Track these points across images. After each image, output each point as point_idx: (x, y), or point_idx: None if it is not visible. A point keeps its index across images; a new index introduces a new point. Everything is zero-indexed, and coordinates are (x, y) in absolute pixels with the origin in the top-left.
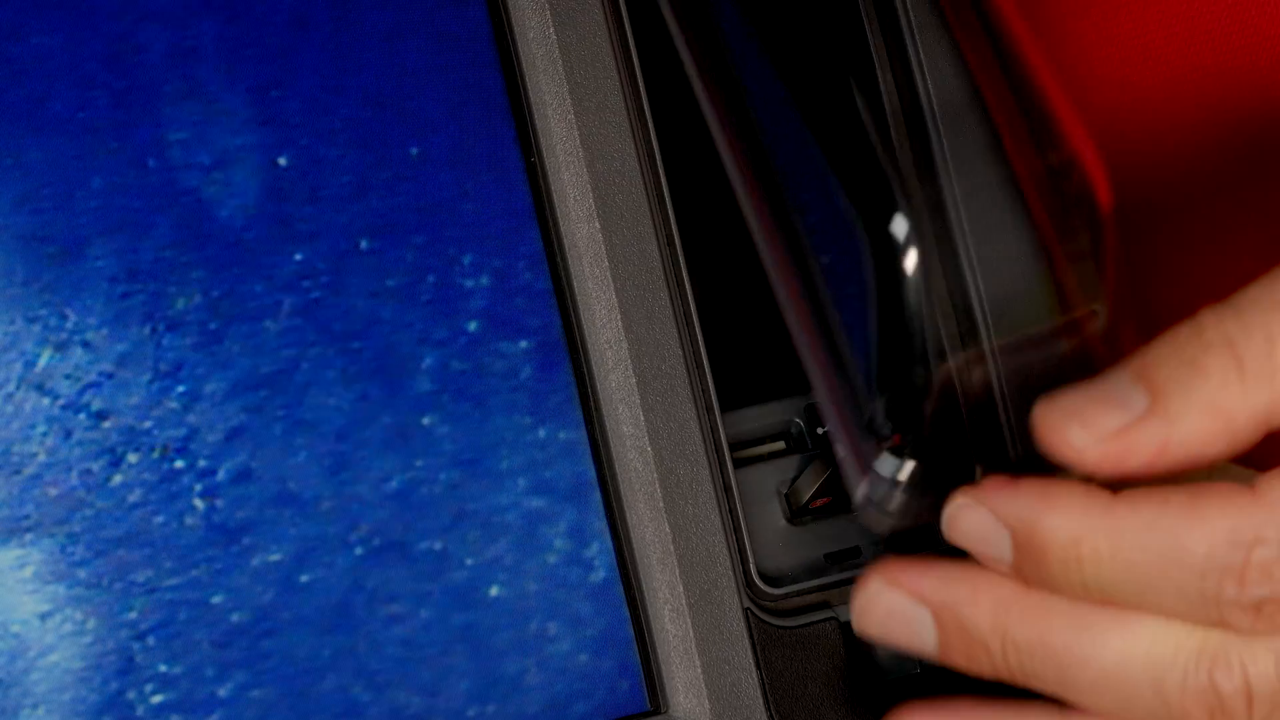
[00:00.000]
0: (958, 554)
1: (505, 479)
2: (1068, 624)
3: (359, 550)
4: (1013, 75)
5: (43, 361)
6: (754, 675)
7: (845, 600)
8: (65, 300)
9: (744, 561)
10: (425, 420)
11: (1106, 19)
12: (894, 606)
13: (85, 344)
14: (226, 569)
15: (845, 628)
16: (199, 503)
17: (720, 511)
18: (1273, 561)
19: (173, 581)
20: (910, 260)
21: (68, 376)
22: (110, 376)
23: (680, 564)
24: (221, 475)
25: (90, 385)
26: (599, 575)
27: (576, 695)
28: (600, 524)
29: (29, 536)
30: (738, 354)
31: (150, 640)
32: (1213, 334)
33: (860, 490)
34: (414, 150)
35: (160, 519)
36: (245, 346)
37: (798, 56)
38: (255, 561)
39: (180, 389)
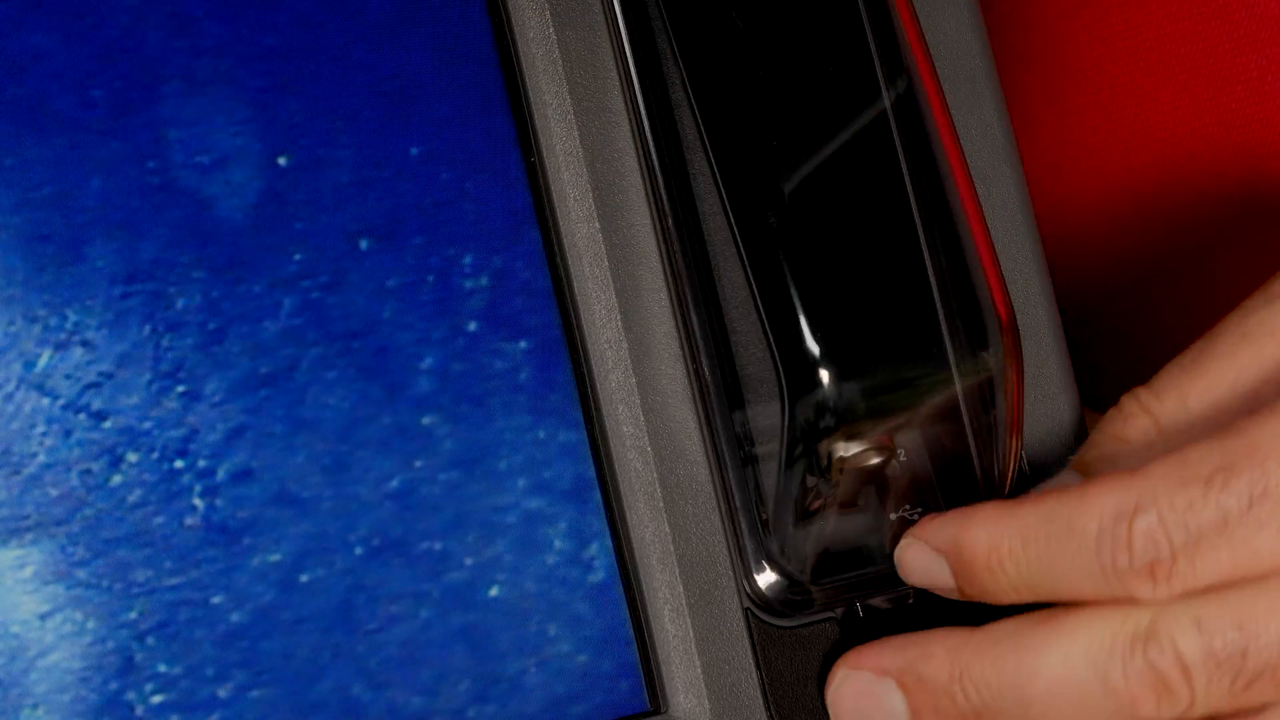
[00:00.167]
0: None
1: (505, 479)
2: (1012, 646)
3: (359, 550)
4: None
5: (43, 361)
6: (754, 675)
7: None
8: (65, 300)
9: (744, 562)
10: (425, 420)
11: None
12: (862, 687)
13: (85, 344)
14: (226, 569)
15: (845, 628)
16: (199, 503)
17: (720, 511)
18: (1154, 526)
19: (173, 581)
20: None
21: (68, 376)
22: (110, 376)
23: (680, 564)
24: (221, 475)
25: (90, 385)
26: (599, 575)
27: (576, 695)
28: (600, 524)
29: (29, 536)
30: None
31: (150, 640)
32: (1130, 406)
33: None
34: (414, 150)
35: (160, 519)
36: (245, 346)
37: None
38: (255, 561)
39: (180, 389)
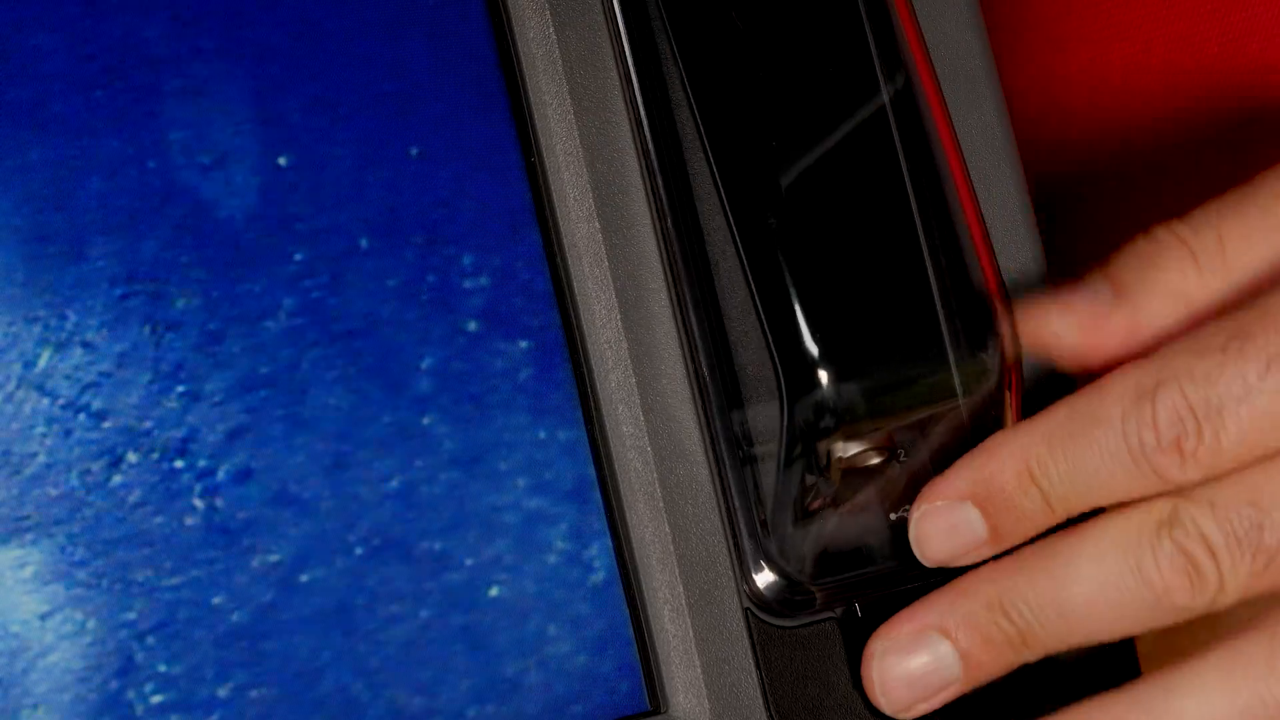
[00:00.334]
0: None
1: (505, 479)
2: (1042, 560)
3: (359, 550)
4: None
5: (43, 361)
6: (754, 675)
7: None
8: (65, 300)
9: (744, 562)
10: (425, 420)
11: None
12: (901, 636)
13: (85, 344)
14: (226, 569)
15: (845, 628)
16: (199, 503)
17: (720, 511)
18: (1177, 399)
19: (173, 581)
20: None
21: (68, 376)
22: (110, 376)
23: (680, 564)
24: (221, 475)
25: (90, 385)
26: (599, 576)
27: (576, 695)
28: (600, 524)
29: (29, 536)
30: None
31: (150, 640)
32: (1165, 236)
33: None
34: (414, 150)
35: (160, 519)
36: (245, 346)
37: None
38: (255, 561)
39: (180, 389)
